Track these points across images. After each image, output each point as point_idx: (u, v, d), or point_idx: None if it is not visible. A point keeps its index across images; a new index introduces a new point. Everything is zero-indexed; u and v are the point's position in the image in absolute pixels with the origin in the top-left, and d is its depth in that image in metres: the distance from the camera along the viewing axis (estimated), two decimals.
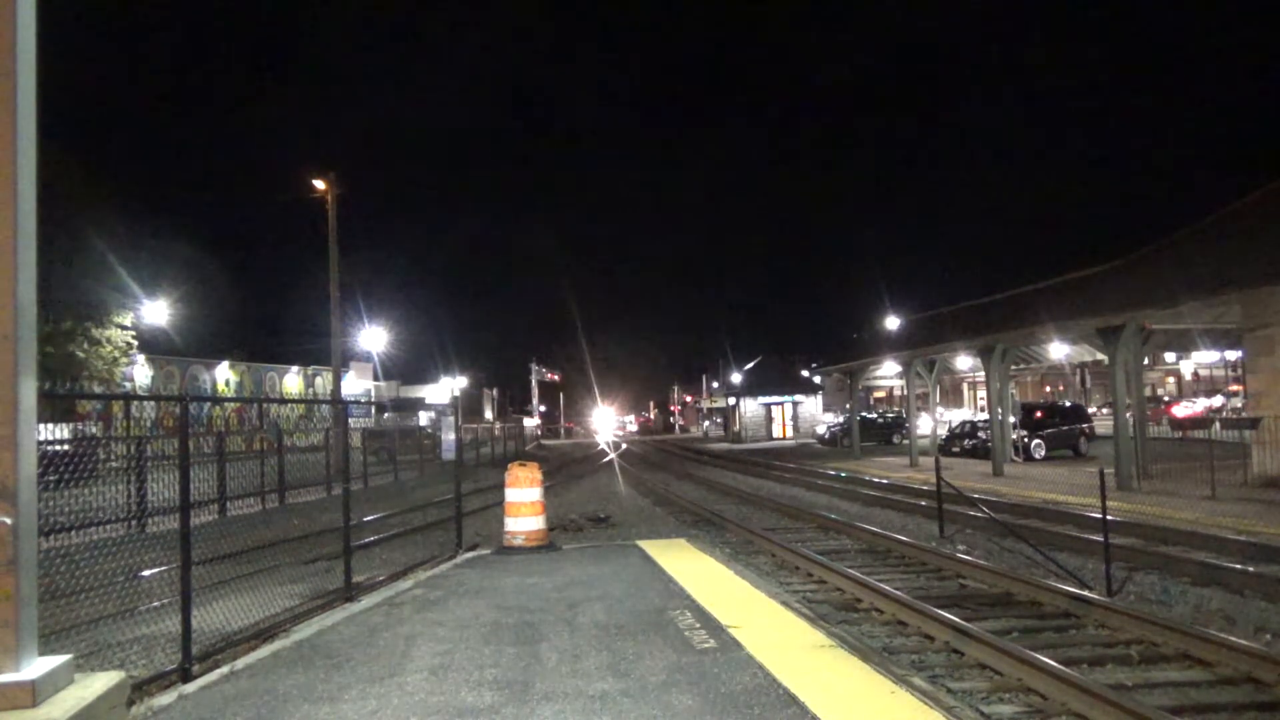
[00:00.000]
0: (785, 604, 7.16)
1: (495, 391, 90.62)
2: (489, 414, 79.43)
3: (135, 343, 31.55)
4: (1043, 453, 24.98)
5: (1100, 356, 23.39)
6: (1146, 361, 30.96)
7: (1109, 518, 9.38)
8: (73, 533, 8.66)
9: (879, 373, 35.87)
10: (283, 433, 20.57)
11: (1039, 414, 26.81)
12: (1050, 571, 9.42)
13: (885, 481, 20.35)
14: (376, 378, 54.99)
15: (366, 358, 51.07)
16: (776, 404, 55.43)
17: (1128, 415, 17.32)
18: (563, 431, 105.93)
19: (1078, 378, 41.56)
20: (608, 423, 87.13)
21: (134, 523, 11.45)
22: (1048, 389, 52.63)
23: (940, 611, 7.22)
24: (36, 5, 3.95)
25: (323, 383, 51.50)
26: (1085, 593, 7.95)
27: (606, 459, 39.89)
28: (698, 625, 6.34)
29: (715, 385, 76.85)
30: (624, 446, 57.68)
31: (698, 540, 11.67)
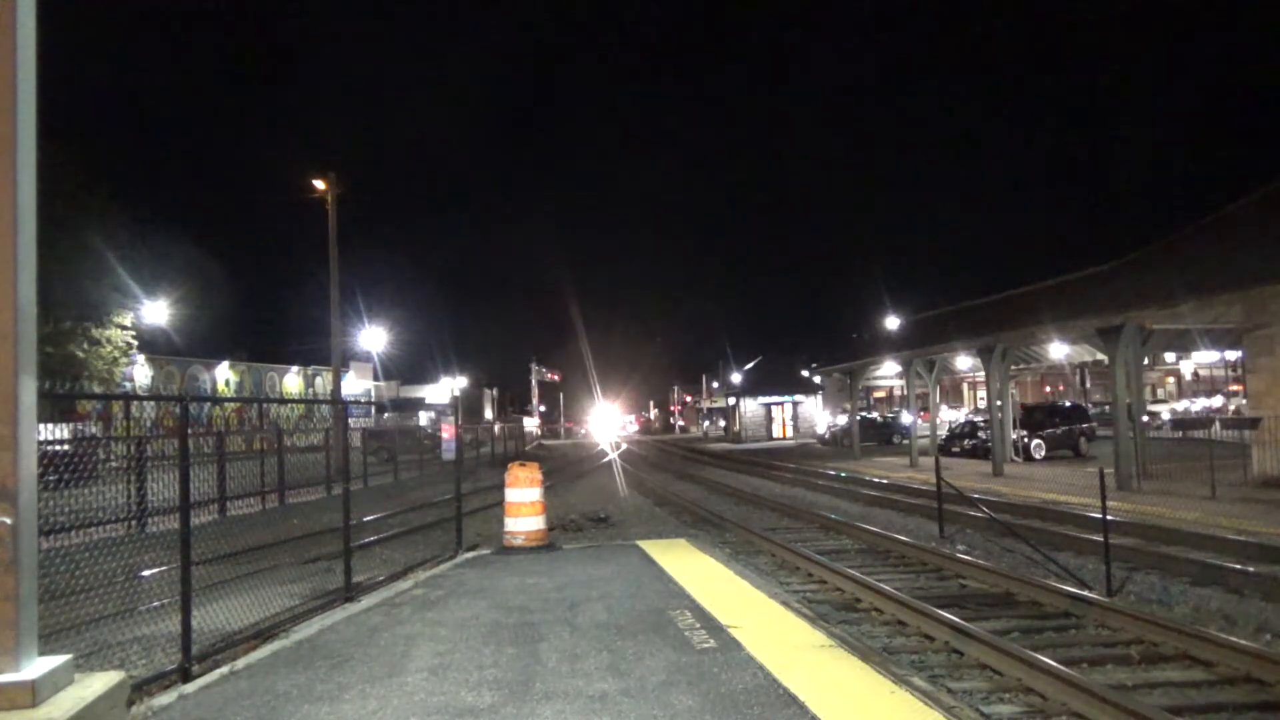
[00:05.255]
0: (785, 604, 7.16)
1: (495, 391, 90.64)
2: (489, 414, 79.41)
3: (135, 343, 31.55)
4: (1043, 453, 24.96)
5: (1100, 356, 23.37)
6: (1146, 361, 30.95)
7: (1109, 518, 9.38)
8: (73, 533, 8.67)
9: (879, 373, 35.82)
10: (283, 433, 20.56)
11: (1039, 414, 26.82)
12: (1050, 571, 9.42)
13: (885, 481, 20.34)
14: (376, 378, 55.02)
15: (366, 358, 51.10)
16: (776, 404, 55.38)
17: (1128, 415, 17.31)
18: (563, 431, 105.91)
19: (1078, 378, 41.54)
20: (609, 422, 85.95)
21: (134, 523, 11.46)
22: (1048, 389, 52.61)
23: (940, 611, 7.22)
24: (36, 6, 3.94)
25: (323, 383, 51.51)
26: (1085, 593, 7.95)
27: (606, 459, 39.88)
28: (698, 625, 6.34)
29: (715, 385, 76.80)
30: (624, 447, 57.67)
31: (698, 540, 11.67)
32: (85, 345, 28.46)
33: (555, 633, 6.26)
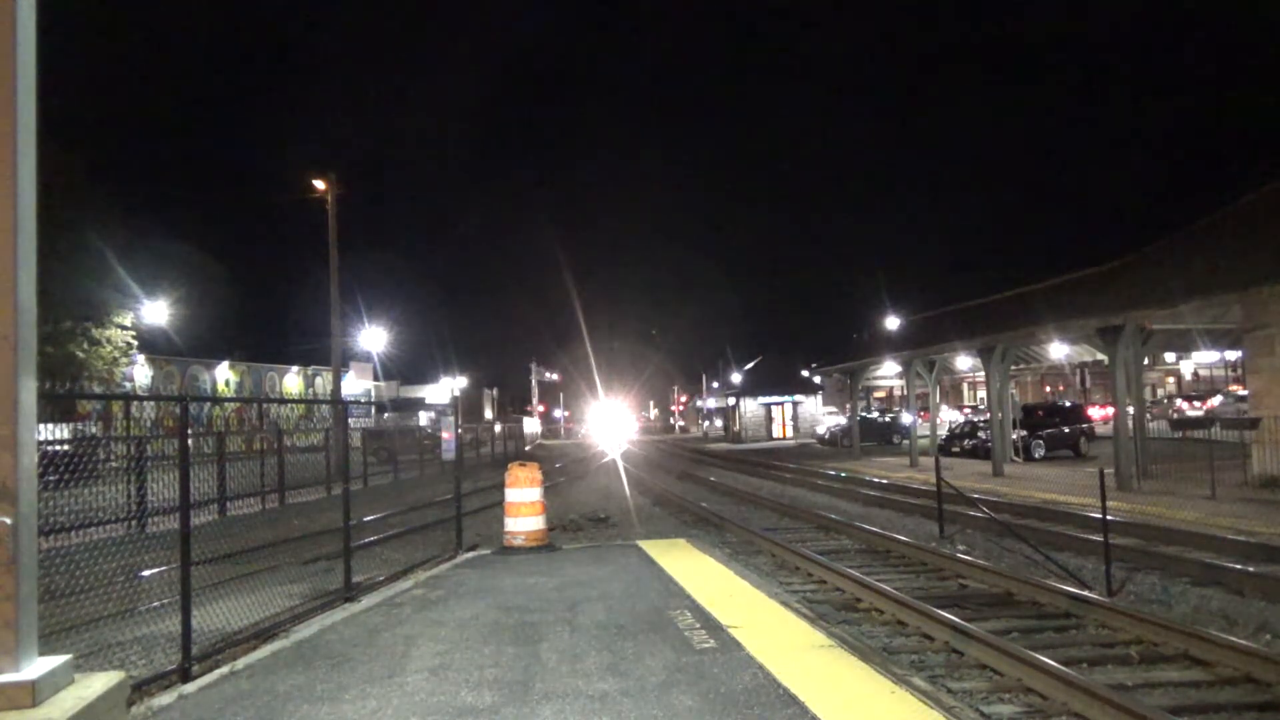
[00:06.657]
0: (785, 604, 7.16)
1: (495, 391, 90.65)
2: (489, 414, 79.36)
3: (135, 343, 31.56)
4: (1042, 453, 24.98)
5: (1100, 356, 23.39)
6: (1146, 361, 30.97)
7: (1109, 518, 9.38)
8: (73, 533, 8.67)
9: (879, 373, 35.86)
10: (283, 433, 20.56)
11: (1039, 414, 26.83)
12: (1050, 572, 9.41)
13: (885, 481, 20.35)
14: (376, 378, 55.01)
15: (366, 358, 51.07)
16: (776, 404, 55.39)
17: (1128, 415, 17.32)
18: (563, 432, 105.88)
19: (1078, 378, 41.56)
20: (609, 422, 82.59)
21: (134, 523, 11.46)
22: (1048, 389, 52.63)
23: (940, 611, 7.22)
24: (36, 5, 3.94)
25: (323, 383, 51.52)
26: (1085, 593, 7.95)
27: (606, 459, 39.90)
28: (697, 625, 6.34)
29: (715, 385, 76.78)
30: (624, 447, 57.67)
31: (698, 540, 11.67)
32: (85, 345, 28.47)
33: (555, 633, 6.26)
